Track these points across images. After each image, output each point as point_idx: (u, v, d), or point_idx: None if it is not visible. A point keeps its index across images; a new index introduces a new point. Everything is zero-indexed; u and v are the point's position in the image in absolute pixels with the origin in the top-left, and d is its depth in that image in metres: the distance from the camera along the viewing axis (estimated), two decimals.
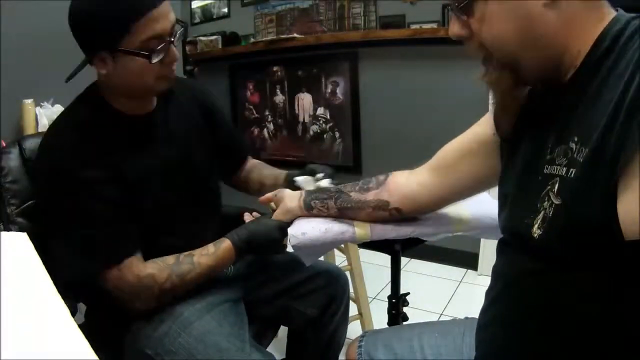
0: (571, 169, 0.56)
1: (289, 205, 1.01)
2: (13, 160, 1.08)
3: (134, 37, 0.86)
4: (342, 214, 0.98)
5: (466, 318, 0.95)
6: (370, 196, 0.94)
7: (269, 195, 1.07)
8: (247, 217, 1.09)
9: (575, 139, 0.56)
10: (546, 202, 0.59)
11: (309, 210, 1.00)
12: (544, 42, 0.60)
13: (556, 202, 0.57)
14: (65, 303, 0.87)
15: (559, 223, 0.57)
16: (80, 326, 1.12)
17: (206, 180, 1.14)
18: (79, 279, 0.94)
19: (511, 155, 0.73)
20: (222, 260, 0.99)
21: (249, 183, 1.29)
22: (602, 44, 0.57)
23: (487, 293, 0.76)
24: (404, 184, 0.93)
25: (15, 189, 1.06)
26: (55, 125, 0.96)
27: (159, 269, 0.93)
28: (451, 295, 2.28)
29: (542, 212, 0.59)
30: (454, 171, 0.88)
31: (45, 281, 0.58)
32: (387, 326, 1.17)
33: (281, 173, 1.24)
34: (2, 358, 0.41)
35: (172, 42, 0.92)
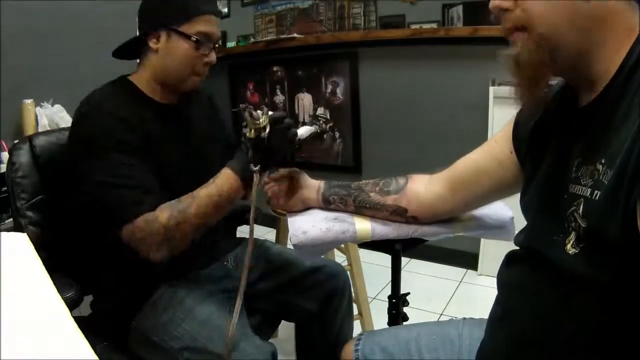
0: (596, 191, 0.56)
1: (307, 196, 1.03)
2: (23, 155, 1.12)
3: (191, 26, 1.02)
4: (359, 212, 1.00)
5: (464, 319, 0.95)
6: (389, 201, 0.97)
7: (287, 171, 1.06)
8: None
9: (603, 161, 0.56)
10: (574, 223, 0.59)
11: (326, 204, 1.02)
12: (585, 24, 0.59)
13: (583, 224, 0.57)
14: (71, 293, 0.90)
15: (589, 245, 0.57)
16: (86, 317, 1.14)
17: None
18: (102, 232, 0.96)
19: (534, 168, 0.74)
20: (222, 188, 0.95)
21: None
22: (630, 60, 0.57)
23: (498, 303, 0.76)
24: (423, 193, 0.96)
25: (26, 183, 1.10)
26: (90, 98, 1.02)
27: (162, 209, 0.93)
28: (451, 295, 2.28)
29: (574, 233, 0.59)
30: (470, 187, 0.91)
31: (45, 281, 0.58)
32: (387, 326, 1.17)
33: None
34: (2, 358, 0.41)
35: (215, 48, 1.07)
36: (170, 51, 1.03)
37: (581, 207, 0.58)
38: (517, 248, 0.76)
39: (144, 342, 1.01)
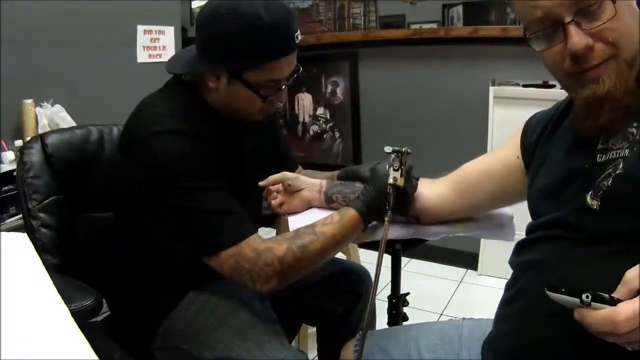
0: (635, 147, 0.59)
1: (308, 196, 1.03)
2: (35, 155, 1.08)
3: (258, 73, 0.89)
4: None
5: (463, 319, 0.95)
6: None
7: (275, 177, 1.02)
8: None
9: (635, 124, 0.59)
10: (604, 182, 0.61)
11: (329, 203, 1.02)
12: None
13: (615, 173, 0.59)
14: (91, 301, 0.86)
15: (621, 189, 0.59)
16: (101, 322, 1.08)
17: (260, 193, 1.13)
18: (194, 261, 0.89)
19: (548, 154, 0.76)
20: (347, 229, 0.90)
21: None
22: None
23: (510, 285, 0.76)
24: (426, 195, 0.96)
25: (38, 184, 1.06)
26: (153, 111, 0.92)
27: (277, 241, 0.88)
28: (451, 295, 2.28)
29: (601, 192, 0.61)
30: (476, 190, 0.92)
31: (45, 281, 0.58)
32: (387, 326, 1.17)
33: (334, 175, 1.14)
34: (2, 358, 0.41)
35: (287, 85, 0.96)
36: (231, 95, 0.93)
37: (620, 165, 0.59)
38: (528, 235, 0.76)
39: (170, 350, 0.96)
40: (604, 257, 0.60)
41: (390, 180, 0.89)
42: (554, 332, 0.65)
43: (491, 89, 2.20)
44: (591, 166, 0.64)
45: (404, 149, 0.90)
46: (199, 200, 0.86)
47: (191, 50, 0.96)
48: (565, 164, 0.71)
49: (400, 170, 0.89)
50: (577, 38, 0.63)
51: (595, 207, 0.60)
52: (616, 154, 0.61)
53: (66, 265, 1.07)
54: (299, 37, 0.91)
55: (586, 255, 0.63)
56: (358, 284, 1.24)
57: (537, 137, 0.81)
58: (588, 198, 0.61)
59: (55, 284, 0.57)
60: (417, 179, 0.97)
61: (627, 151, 0.59)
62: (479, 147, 2.00)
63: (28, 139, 1.54)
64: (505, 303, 0.77)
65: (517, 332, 0.71)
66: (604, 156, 0.63)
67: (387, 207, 0.88)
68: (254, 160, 1.09)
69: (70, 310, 0.51)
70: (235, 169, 1.00)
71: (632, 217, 0.57)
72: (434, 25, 2.50)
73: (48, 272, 0.60)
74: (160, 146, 0.87)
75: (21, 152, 1.09)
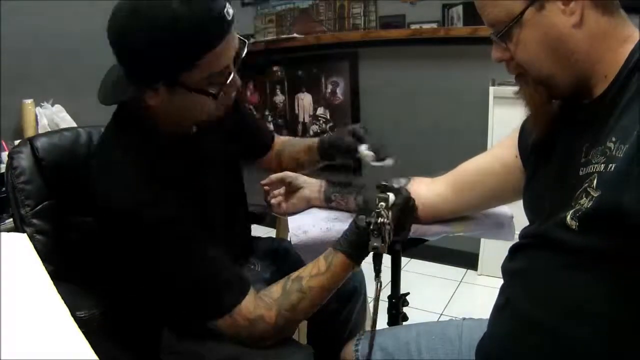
0: (610, 164, 0.59)
1: (309, 195, 1.04)
2: (25, 159, 1.03)
3: (197, 72, 0.78)
4: None
5: (463, 319, 0.95)
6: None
7: (276, 176, 1.03)
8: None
9: (613, 139, 0.60)
10: (584, 199, 0.61)
11: (327, 203, 1.03)
12: (575, 58, 0.66)
13: (595, 194, 0.60)
14: (94, 311, 0.85)
15: (599, 213, 0.59)
16: (109, 326, 1.02)
17: (237, 192, 1.12)
18: (190, 327, 0.90)
19: (540, 163, 0.77)
20: (337, 276, 0.87)
21: (282, 163, 1.23)
22: (632, 60, 0.62)
23: (501, 292, 0.77)
24: (425, 194, 0.97)
25: (30, 189, 1.02)
26: (113, 163, 0.86)
27: (267, 307, 0.85)
28: (451, 295, 2.28)
29: (579, 207, 0.62)
30: (474, 189, 0.93)
31: (45, 281, 0.58)
32: (387, 326, 1.17)
33: (313, 143, 1.14)
34: (2, 358, 0.41)
35: (235, 68, 0.84)
36: (179, 104, 0.82)
37: (595, 181, 0.60)
38: (520, 240, 0.77)
39: (179, 353, 0.94)
40: (581, 271, 0.63)
41: (367, 222, 0.79)
42: (541, 342, 0.66)
43: (491, 89, 2.19)
44: (575, 181, 0.65)
45: (384, 183, 0.81)
46: (175, 259, 0.82)
47: (113, 71, 0.86)
48: (554, 175, 0.72)
49: (378, 209, 0.78)
50: (493, 52, 0.73)
51: (574, 227, 0.62)
52: (593, 168, 0.62)
53: (63, 271, 1.03)
54: (230, 13, 0.79)
55: (565, 268, 0.65)
56: (350, 280, 1.23)
57: (532, 141, 0.81)
58: (568, 218, 0.63)
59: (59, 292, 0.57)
60: (409, 180, 0.97)
61: (602, 166, 0.60)
62: (479, 147, 1.99)
63: None
64: (496, 309, 0.78)
65: (507, 339, 0.72)
66: (584, 169, 0.64)
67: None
68: (221, 169, 1.05)
69: (80, 317, 0.51)
70: (202, 189, 0.96)
71: (607, 236, 0.59)
72: (434, 25, 2.49)
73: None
74: (116, 195, 0.81)
75: (10, 157, 1.03)
